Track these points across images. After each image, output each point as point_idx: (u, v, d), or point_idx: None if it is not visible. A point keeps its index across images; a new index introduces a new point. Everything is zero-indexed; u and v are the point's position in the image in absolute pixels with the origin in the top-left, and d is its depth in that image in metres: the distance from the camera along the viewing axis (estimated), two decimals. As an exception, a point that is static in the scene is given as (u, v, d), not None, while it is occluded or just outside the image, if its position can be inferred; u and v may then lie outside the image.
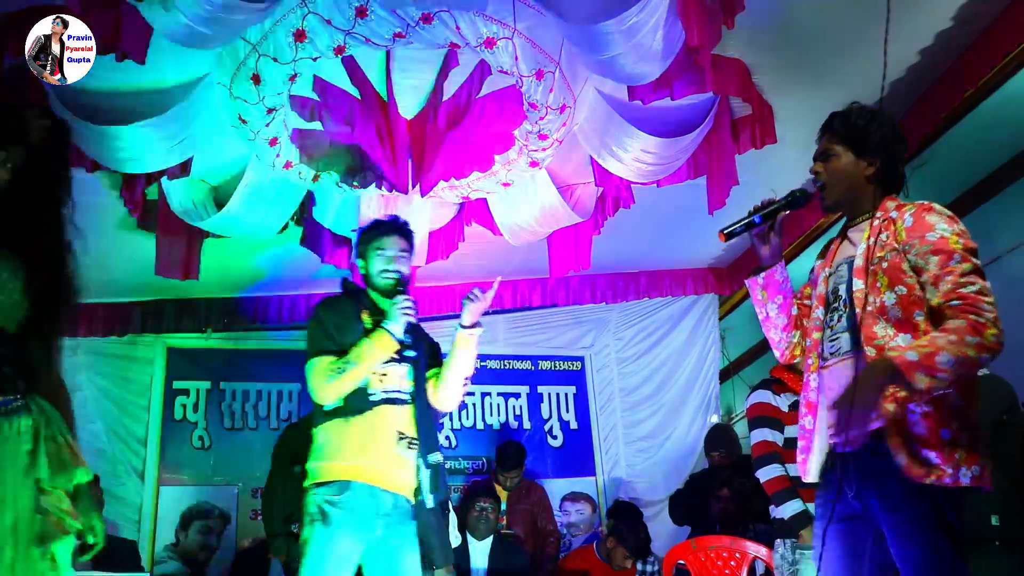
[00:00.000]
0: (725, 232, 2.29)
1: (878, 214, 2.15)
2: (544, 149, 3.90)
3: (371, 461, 2.66)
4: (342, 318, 2.80)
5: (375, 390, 2.72)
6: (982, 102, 3.65)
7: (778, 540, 3.41)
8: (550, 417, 6.05)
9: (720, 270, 5.93)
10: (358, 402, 2.69)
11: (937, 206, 2.11)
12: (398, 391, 2.76)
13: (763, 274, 2.30)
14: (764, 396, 3.52)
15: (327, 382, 2.67)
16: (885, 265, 2.09)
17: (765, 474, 3.39)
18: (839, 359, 2.15)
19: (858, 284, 2.11)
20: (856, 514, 2.10)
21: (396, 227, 2.92)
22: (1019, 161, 4.01)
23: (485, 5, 3.14)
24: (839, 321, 2.18)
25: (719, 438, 5.05)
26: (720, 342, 6.21)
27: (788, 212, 2.26)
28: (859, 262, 2.14)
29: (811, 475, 2.20)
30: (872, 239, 2.11)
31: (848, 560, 2.11)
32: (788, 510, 3.29)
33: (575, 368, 6.22)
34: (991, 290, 1.97)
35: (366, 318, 2.80)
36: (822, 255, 2.35)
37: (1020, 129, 3.84)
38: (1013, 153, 4.01)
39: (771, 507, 3.48)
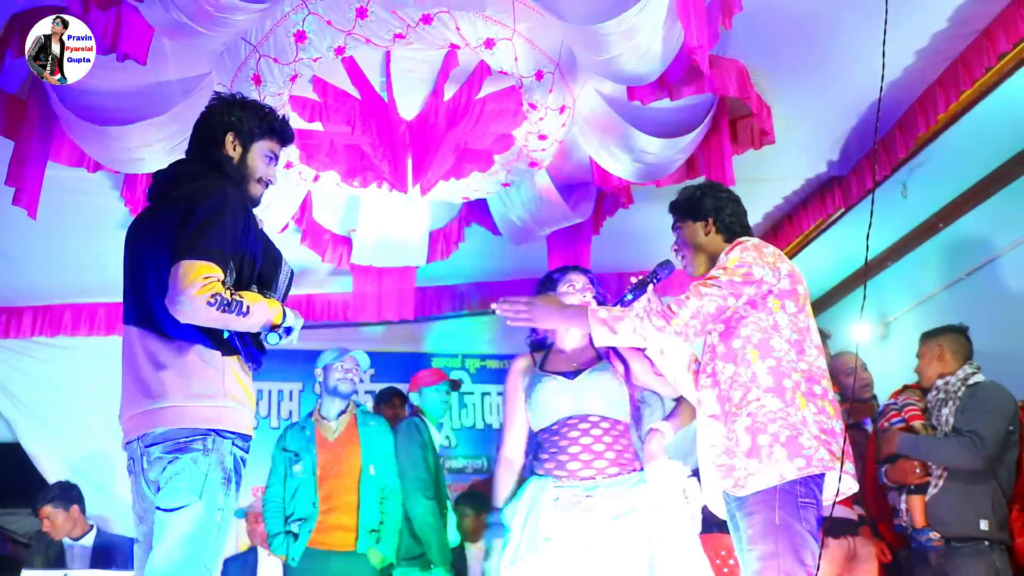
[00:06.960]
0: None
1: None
2: (544, 149, 3.90)
3: None
4: None
5: None
6: (979, 103, 3.66)
7: None
8: (550, 417, 6.05)
9: (719, 270, 5.93)
10: None
11: (748, 243, 2.39)
12: None
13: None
14: None
15: None
16: None
17: None
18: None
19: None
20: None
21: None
22: (1016, 162, 4.02)
23: (485, 6, 3.15)
24: None
25: None
26: (719, 342, 6.20)
27: (656, 283, 2.50)
28: None
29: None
30: None
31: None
32: None
33: (574, 368, 6.22)
34: (714, 304, 2.29)
35: None
36: None
37: (1017, 130, 3.85)
38: (1010, 154, 4.02)
39: None
